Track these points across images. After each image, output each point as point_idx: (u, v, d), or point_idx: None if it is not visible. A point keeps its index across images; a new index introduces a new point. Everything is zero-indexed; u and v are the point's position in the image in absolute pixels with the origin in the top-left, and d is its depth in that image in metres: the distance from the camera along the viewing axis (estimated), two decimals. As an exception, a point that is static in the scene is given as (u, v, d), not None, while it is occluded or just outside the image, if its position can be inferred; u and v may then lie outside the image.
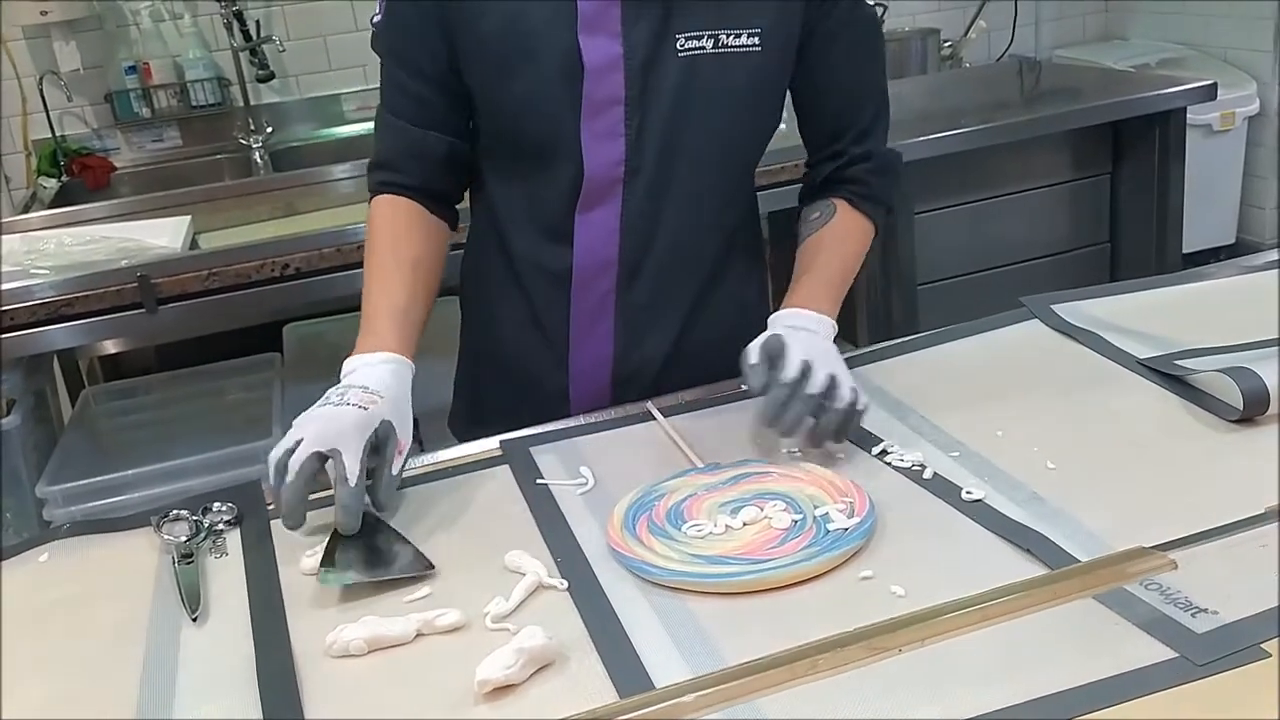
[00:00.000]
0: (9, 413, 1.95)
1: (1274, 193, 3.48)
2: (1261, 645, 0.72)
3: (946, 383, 1.17)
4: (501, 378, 1.30)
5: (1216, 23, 3.50)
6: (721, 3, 1.10)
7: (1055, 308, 1.29)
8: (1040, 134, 2.54)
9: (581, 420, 1.17)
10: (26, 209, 2.68)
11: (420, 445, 1.19)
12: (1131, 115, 2.55)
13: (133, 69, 2.85)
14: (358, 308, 1.15)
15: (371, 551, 0.93)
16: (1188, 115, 2.58)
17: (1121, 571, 0.81)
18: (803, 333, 1.09)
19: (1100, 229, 2.73)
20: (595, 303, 1.21)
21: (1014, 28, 3.53)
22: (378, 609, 0.86)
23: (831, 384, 1.03)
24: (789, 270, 1.21)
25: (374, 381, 1.04)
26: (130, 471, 1.91)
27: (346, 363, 1.08)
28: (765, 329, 1.11)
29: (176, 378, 2.36)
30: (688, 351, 1.24)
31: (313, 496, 0.97)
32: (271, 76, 2.88)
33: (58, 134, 2.81)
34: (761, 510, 0.92)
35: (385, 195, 1.20)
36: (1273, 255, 1.38)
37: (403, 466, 1.03)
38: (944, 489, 0.96)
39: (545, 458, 1.09)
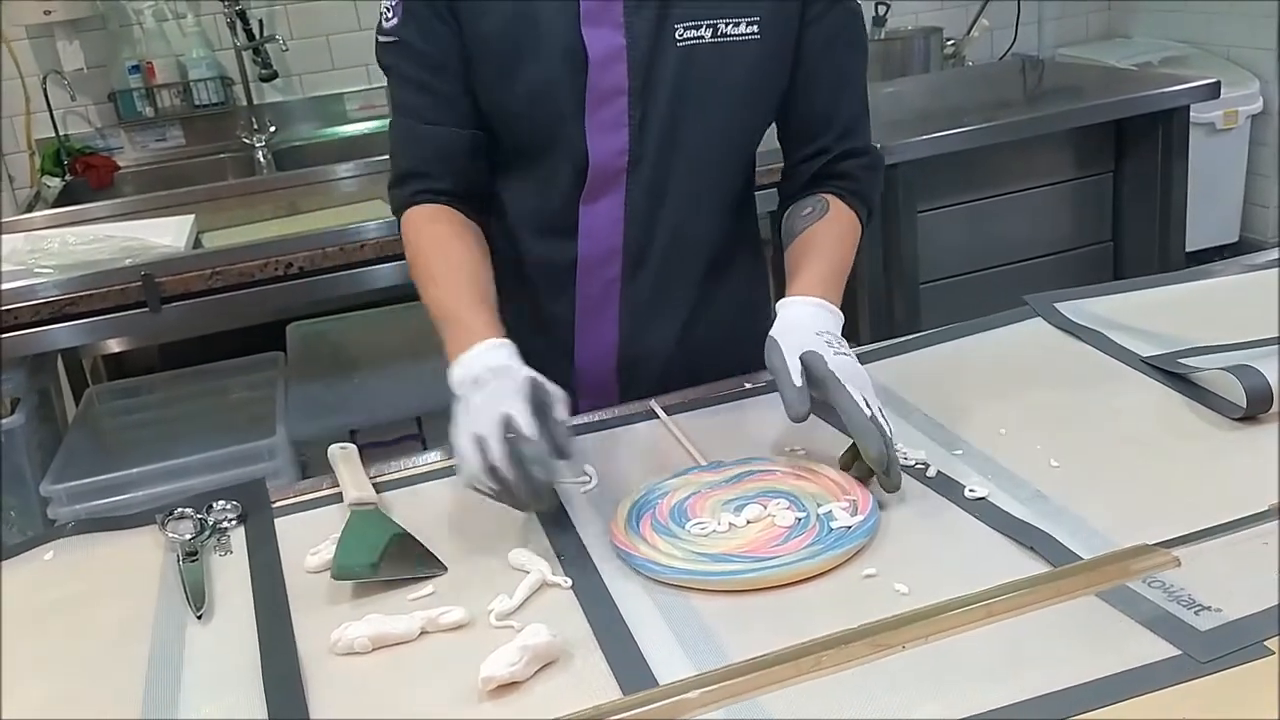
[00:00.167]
0: (13, 412, 1.96)
1: (1277, 191, 3.48)
2: (1264, 642, 0.72)
3: (949, 381, 1.17)
4: None
5: (1219, 21, 3.49)
6: None
7: (1058, 306, 1.29)
8: (1043, 132, 2.53)
9: (585, 419, 1.17)
10: (30, 208, 2.68)
11: (423, 444, 1.18)
12: (1134, 114, 2.54)
13: (136, 68, 2.85)
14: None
15: (382, 549, 0.93)
16: (1191, 114, 2.57)
17: (1125, 569, 0.81)
18: (840, 356, 1.01)
19: (1103, 228, 2.72)
20: (600, 292, 1.21)
21: (1017, 26, 3.52)
22: (382, 607, 0.87)
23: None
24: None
25: (494, 362, 0.99)
26: (134, 470, 1.92)
27: (452, 370, 1.00)
28: (770, 318, 1.08)
29: (180, 377, 2.36)
30: (692, 343, 1.24)
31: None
32: (274, 76, 2.88)
33: (61, 133, 2.82)
34: (765, 508, 0.93)
35: (417, 207, 1.17)
36: (1275, 253, 1.38)
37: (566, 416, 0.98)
38: (947, 487, 0.96)
39: (549, 456, 1.09)
